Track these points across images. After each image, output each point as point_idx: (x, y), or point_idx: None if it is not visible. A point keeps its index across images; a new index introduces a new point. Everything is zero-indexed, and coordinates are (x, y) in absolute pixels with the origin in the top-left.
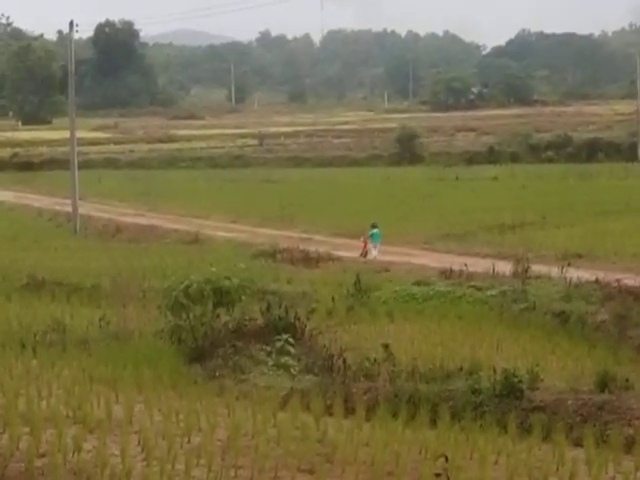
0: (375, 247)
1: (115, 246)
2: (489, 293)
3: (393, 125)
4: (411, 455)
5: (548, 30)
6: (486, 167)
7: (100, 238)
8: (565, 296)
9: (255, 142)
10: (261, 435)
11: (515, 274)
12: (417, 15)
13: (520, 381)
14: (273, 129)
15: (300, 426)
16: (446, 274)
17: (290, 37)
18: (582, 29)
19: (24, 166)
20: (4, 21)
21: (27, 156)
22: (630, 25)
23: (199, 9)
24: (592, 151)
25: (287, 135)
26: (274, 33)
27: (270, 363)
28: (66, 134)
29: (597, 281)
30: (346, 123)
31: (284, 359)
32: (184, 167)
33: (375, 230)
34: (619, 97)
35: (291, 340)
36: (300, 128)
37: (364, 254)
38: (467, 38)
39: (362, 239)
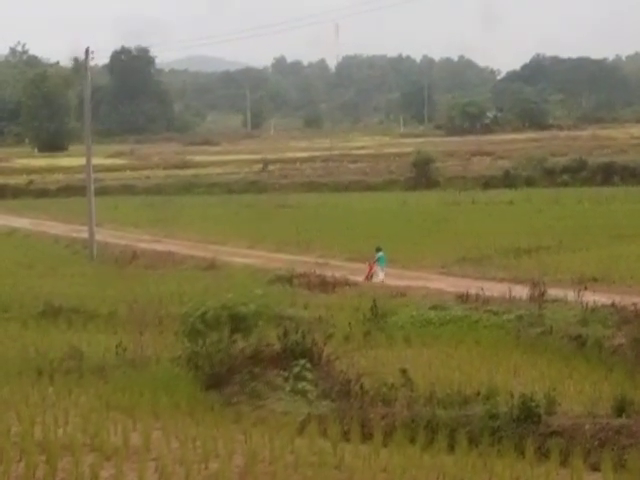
0: (382, 270)
1: (132, 273)
2: (506, 317)
3: (409, 150)
4: None
5: (563, 55)
6: (502, 191)
7: (116, 265)
8: (582, 320)
9: (270, 168)
10: (279, 461)
11: (531, 298)
12: (432, 40)
13: (537, 406)
14: (289, 154)
15: (317, 452)
16: (462, 298)
17: (305, 63)
18: (596, 53)
19: (40, 193)
20: (20, 48)
21: (43, 183)
22: None
23: (214, 36)
24: (607, 175)
25: (303, 160)
26: (289, 59)
27: (287, 389)
28: (82, 161)
29: (613, 305)
30: (362, 148)
31: (301, 385)
32: (200, 193)
33: (380, 253)
34: (634, 121)
35: (308, 365)
36: (316, 153)
37: (369, 277)
38: (482, 63)
39: (368, 263)
